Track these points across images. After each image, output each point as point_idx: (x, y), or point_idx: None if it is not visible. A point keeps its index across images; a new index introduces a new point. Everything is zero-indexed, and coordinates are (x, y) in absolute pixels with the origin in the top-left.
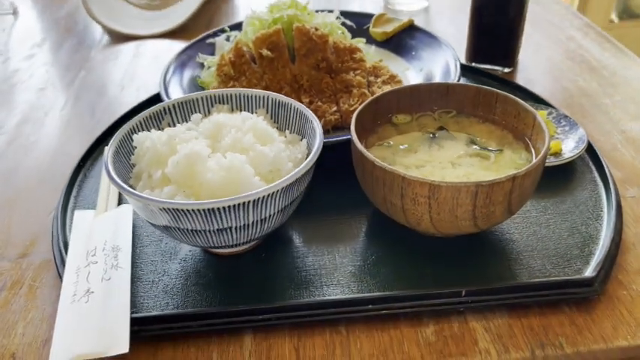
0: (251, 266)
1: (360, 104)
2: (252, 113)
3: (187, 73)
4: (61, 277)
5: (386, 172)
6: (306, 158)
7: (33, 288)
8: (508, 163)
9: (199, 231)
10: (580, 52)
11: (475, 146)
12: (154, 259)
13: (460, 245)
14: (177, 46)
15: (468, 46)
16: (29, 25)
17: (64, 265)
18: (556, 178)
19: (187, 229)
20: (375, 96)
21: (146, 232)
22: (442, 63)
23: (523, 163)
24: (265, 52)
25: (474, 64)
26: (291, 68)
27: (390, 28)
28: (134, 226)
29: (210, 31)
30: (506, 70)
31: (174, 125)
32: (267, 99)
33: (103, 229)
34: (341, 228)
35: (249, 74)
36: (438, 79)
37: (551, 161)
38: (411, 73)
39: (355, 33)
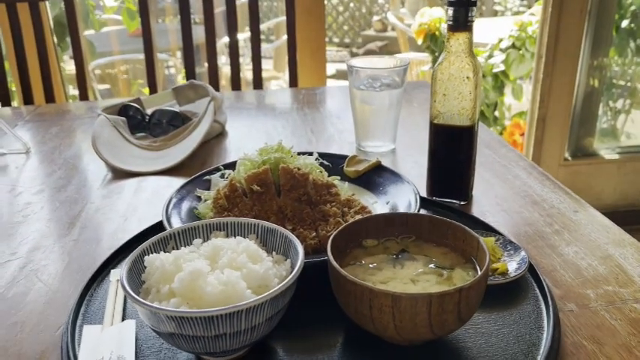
0: None
1: (334, 230)
2: (244, 237)
3: (186, 205)
4: None
5: (356, 286)
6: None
7: None
8: (458, 279)
9: (199, 337)
10: (524, 189)
11: (431, 265)
12: None
13: (422, 352)
14: (175, 181)
15: (428, 182)
16: (40, 163)
17: None
18: (504, 295)
19: (189, 336)
20: (347, 223)
21: (147, 345)
22: (405, 197)
23: (470, 279)
24: (255, 187)
25: (434, 197)
26: (277, 201)
27: (361, 167)
28: (136, 339)
29: (206, 170)
30: (462, 202)
31: (178, 248)
32: (258, 226)
33: (110, 341)
34: (320, 339)
35: (241, 206)
36: (401, 209)
37: (499, 280)
38: (378, 205)
39: (331, 171)
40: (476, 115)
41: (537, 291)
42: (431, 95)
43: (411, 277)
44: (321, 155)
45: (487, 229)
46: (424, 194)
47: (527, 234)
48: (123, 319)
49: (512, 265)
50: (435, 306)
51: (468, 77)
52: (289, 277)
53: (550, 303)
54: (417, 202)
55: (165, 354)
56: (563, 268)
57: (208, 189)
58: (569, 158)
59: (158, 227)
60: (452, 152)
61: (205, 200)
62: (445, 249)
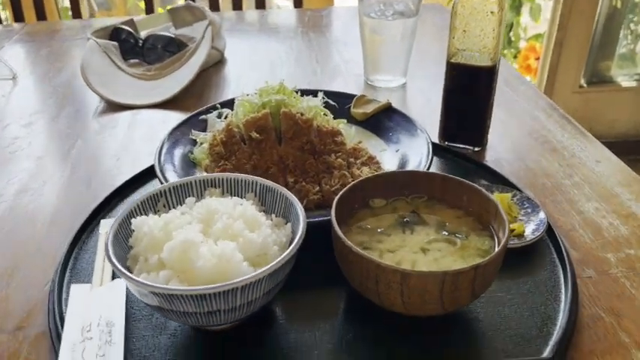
0: (237, 341)
1: (340, 185)
2: (242, 196)
3: (180, 149)
4: (56, 351)
5: (363, 259)
6: (290, 242)
7: None
8: (473, 249)
9: (190, 313)
10: (543, 133)
11: (444, 232)
12: (145, 333)
13: (430, 324)
14: (171, 116)
15: (441, 126)
16: (28, 91)
17: (59, 340)
18: (519, 259)
19: (179, 311)
20: (353, 183)
21: (138, 307)
22: (416, 147)
23: (486, 249)
24: (254, 134)
25: (446, 143)
26: (277, 149)
27: (369, 109)
28: (127, 301)
29: (202, 108)
30: (476, 149)
31: (169, 207)
32: (256, 184)
33: (98, 304)
34: (322, 304)
35: (239, 154)
36: (411, 161)
37: (515, 243)
38: (387, 154)
39: (337, 112)
40: (498, 54)
41: (555, 255)
42: (449, 31)
43: (422, 246)
44: (327, 94)
45: (503, 183)
46: (436, 137)
47: (545, 187)
48: (113, 278)
49: (530, 227)
50: (447, 284)
51: (492, 12)
52: (289, 250)
53: (568, 269)
54: (429, 155)
55: (157, 319)
56: (583, 227)
57: (204, 130)
58: (584, 85)
59: (150, 171)
60: (469, 94)
61: (201, 144)
62: (459, 211)
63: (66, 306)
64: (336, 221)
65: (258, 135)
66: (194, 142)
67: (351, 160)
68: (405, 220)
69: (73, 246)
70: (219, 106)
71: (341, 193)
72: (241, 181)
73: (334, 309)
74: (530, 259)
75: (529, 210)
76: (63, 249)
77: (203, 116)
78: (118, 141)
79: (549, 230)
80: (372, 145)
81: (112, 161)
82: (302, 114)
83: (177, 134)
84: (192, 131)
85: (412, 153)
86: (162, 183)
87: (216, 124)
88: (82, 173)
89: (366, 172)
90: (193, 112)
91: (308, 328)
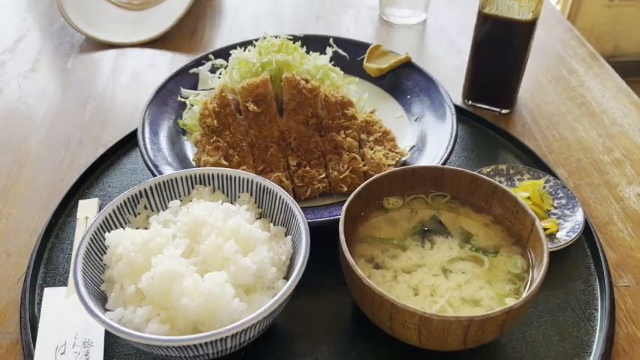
0: None
1: (349, 171)
2: (235, 196)
3: (167, 114)
4: None
5: (375, 294)
6: (291, 259)
7: None
8: (502, 271)
9: (174, 357)
10: (581, 92)
11: (469, 246)
12: (127, 351)
13: (446, 355)
14: (158, 58)
15: (466, 84)
16: (2, 20)
17: (32, 358)
18: (550, 263)
19: (162, 355)
20: (365, 183)
21: None
22: (438, 121)
23: (518, 272)
24: (252, 106)
25: (470, 102)
26: (278, 123)
27: (385, 64)
28: None
29: (192, 61)
30: (504, 111)
31: (151, 209)
32: (252, 183)
33: (74, 317)
34: (327, 320)
35: (233, 128)
36: (431, 139)
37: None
38: (404, 122)
39: (349, 66)
40: (540, 6)
41: (590, 260)
42: None
43: (443, 265)
44: (337, 42)
45: (535, 162)
46: (459, 95)
47: (580, 164)
48: None
49: (565, 227)
50: (473, 329)
51: None
52: (288, 285)
53: (605, 280)
54: (452, 137)
55: None
56: (622, 219)
57: (195, 86)
58: None
59: (133, 137)
60: (501, 51)
61: (192, 106)
62: (487, 218)
63: (39, 312)
64: (344, 240)
65: (255, 107)
66: (184, 103)
67: (363, 136)
68: (424, 228)
69: (47, 234)
70: (212, 57)
71: (350, 198)
72: (235, 178)
73: (341, 325)
74: (561, 264)
75: (563, 201)
76: (37, 234)
77: (194, 69)
78: (101, 89)
79: (585, 227)
80: (388, 109)
81: (94, 117)
82: (307, 80)
83: (165, 93)
84: (182, 90)
85: (433, 127)
86: (145, 163)
87: (209, 80)
88: (59, 132)
89: (379, 156)
90: (181, 67)
91: (311, 351)
